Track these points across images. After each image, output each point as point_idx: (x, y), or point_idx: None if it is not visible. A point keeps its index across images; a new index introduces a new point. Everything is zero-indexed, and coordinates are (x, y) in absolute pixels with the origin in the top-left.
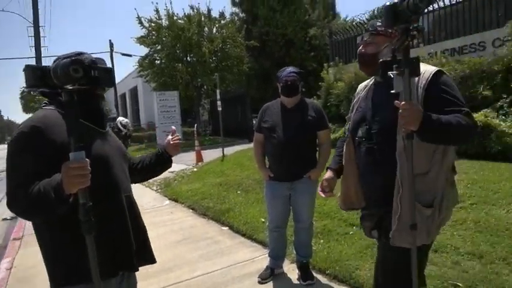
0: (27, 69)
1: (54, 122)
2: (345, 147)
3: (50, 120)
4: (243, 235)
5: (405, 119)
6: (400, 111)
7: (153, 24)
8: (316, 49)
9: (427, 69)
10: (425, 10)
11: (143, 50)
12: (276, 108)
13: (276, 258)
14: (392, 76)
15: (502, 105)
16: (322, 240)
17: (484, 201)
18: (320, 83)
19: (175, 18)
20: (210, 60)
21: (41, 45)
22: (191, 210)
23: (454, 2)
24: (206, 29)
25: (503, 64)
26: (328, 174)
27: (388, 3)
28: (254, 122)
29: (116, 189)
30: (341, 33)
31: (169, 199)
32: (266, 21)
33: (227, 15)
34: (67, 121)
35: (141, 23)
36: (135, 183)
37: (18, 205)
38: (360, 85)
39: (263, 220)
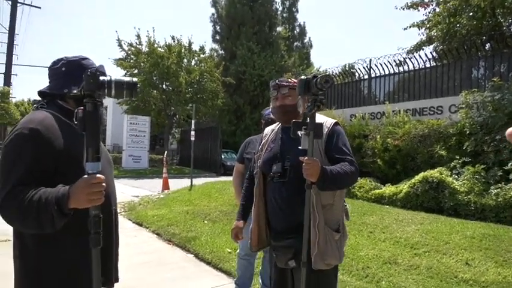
0: (91, 75)
1: (53, 126)
2: (255, 185)
3: (49, 124)
4: (208, 263)
5: (307, 172)
6: (304, 164)
7: (133, 48)
8: None
9: (328, 119)
10: (392, 71)
11: (118, 72)
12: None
13: (243, 286)
14: (300, 135)
15: (455, 165)
16: None
17: (436, 249)
18: None
19: (155, 45)
20: (186, 90)
21: (13, 53)
22: (156, 236)
23: (417, 68)
24: (185, 60)
25: (457, 128)
26: (239, 224)
27: (302, 77)
28: (223, 156)
29: (109, 202)
30: None
31: (133, 223)
32: (244, 61)
33: (207, 50)
34: (87, 131)
35: (120, 45)
36: None
37: (10, 210)
38: (267, 128)
39: (229, 251)
